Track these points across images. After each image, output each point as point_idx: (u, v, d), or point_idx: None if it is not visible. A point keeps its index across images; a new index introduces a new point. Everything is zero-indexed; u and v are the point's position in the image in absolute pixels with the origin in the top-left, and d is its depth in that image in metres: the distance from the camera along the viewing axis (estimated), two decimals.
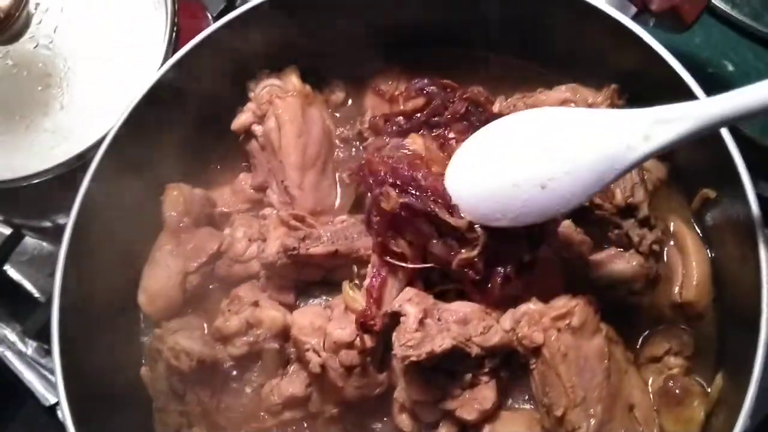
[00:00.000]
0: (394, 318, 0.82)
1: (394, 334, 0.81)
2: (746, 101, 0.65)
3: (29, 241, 1.26)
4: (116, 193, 0.93)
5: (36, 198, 1.04)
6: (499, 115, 0.96)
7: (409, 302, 0.82)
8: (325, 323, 0.85)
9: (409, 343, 0.80)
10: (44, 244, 1.28)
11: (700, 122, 0.67)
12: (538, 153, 0.73)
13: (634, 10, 0.86)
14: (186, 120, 1.01)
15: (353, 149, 1.02)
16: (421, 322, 0.81)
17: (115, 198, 0.93)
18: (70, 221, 0.88)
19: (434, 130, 0.95)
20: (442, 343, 0.80)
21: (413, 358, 0.79)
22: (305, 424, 0.88)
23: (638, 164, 0.71)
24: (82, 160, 0.99)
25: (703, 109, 0.67)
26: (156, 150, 0.98)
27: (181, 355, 0.84)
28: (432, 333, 0.80)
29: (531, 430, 0.83)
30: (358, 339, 0.83)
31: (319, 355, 0.84)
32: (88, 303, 0.89)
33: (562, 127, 0.73)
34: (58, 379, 0.81)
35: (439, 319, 0.82)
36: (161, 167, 0.99)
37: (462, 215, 0.79)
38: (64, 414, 0.79)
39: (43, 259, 1.28)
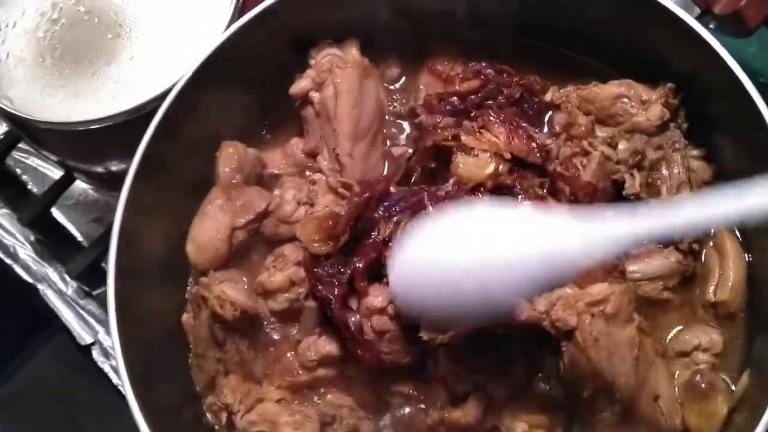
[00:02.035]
0: None
1: None
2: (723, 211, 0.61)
3: (76, 187, 1.31)
4: (174, 147, 0.96)
5: (92, 143, 1.07)
6: (551, 104, 1.00)
7: None
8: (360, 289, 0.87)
9: (436, 325, 0.83)
10: (90, 190, 1.33)
11: (657, 232, 0.65)
12: (476, 246, 0.72)
13: (698, 11, 0.87)
14: (244, 83, 1.03)
15: (404, 125, 1.05)
16: None
17: (173, 151, 0.96)
18: (132, 168, 0.91)
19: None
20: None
21: (438, 341, 0.82)
22: (335, 384, 0.92)
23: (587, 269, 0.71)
24: (140, 111, 1.02)
25: (657, 217, 0.64)
26: (214, 109, 1.01)
27: (226, 304, 0.87)
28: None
29: (555, 410, 0.85)
30: (390, 306, 0.86)
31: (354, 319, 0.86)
32: (139, 250, 0.92)
33: (505, 223, 0.73)
34: (112, 322, 0.83)
35: None
36: (218, 126, 1.02)
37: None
38: (117, 355, 0.81)
39: (88, 205, 1.33)
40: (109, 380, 1.16)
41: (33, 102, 1.03)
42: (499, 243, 0.71)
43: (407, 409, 0.90)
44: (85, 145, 1.07)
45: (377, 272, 0.86)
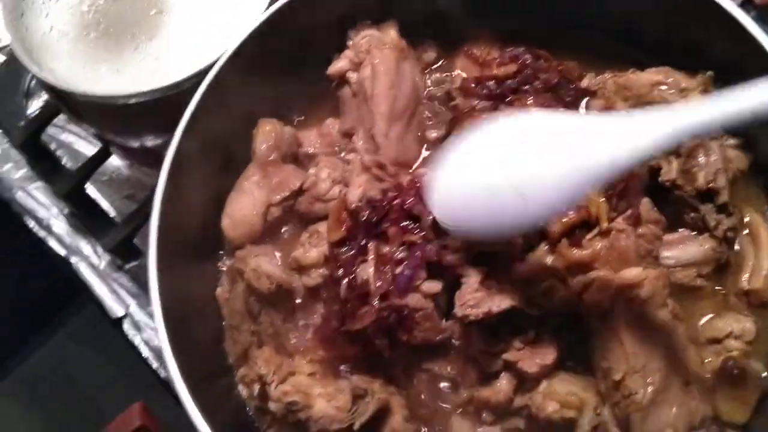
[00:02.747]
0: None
1: (457, 293, 0.85)
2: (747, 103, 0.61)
3: (109, 164, 1.32)
4: (214, 123, 0.98)
5: (130, 118, 1.08)
6: (588, 91, 1.00)
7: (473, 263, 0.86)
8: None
9: (470, 302, 0.84)
10: (123, 168, 1.35)
11: (692, 127, 0.64)
12: (514, 157, 0.72)
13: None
14: (282, 63, 1.05)
15: (439, 108, 1.06)
16: (482, 282, 0.85)
17: (212, 127, 0.98)
18: (173, 143, 0.92)
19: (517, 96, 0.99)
20: (501, 303, 0.83)
21: (472, 318, 0.83)
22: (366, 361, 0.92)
23: (622, 172, 0.70)
24: (178, 89, 1.03)
25: (693, 114, 0.64)
26: (252, 87, 1.03)
27: (262, 277, 0.89)
28: (492, 293, 0.84)
29: (586, 391, 0.85)
30: (424, 284, 0.86)
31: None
32: (177, 224, 0.94)
33: (541, 132, 0.72)
34: (153, 292, 0.85)
35: (499, 281, 0.85)
36: (255, 104, 1.04)
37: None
38: (158, 324, 0.83)
39: (121, 182, 1.34)
40: (139, 353, 1.17)
41: (75, 75, 1.05)
42: (534, 152, 0.70)
43: (437, 387, 0.91)
44: (123, 119, 1.09)
45: None
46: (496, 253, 0.85)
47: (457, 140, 0.79)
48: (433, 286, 0.86)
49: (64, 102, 1.09)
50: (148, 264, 0.85)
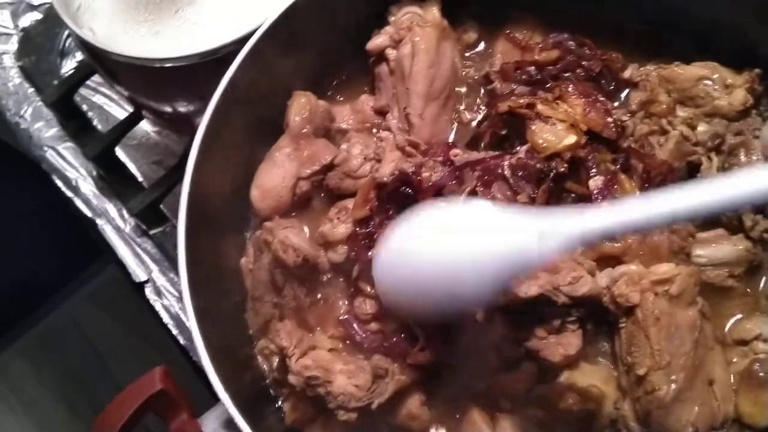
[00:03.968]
0: None
1: None
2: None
3: (138, 128, 1.33)
4: (247, 93, 0.97)
5: (165, 82, 1.08)
6: (630, 82, 0.99)
7: None
8: None
9: None
10: (152, 133, 1.35)
11: (601, 231, 0.66)
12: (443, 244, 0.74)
13: None
14: (319, 36, 1.03)
15: (476, 90, 1.04)
16: None
17: (246, 97, 0.97)
18: (210, 108, 0.91)
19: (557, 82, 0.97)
20: (528, 290, 0.83)
21: (499, 302, 0.83)
22: (388, 339, 0.92)
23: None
24: (214, 55, 1.02)
25: (604, 217, 0.66)
26: (289, 59, 1.02)
27: (289, 250, 0.88)
28: (520, 279, 0.83)
29: (606, 384, 0.85)
30: None
31: None
32: (207, 192, 0.93)
33: (466, 223, 0.74)
34: (181, 259, 0.84)
35: None
36: (290, 76, 1.03)
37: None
38: (184, 290, 0.83)
39: (150, 147, 1.34)
40: (160, 319, 1.18)
41: (114, 35, 1.04)
42: (462, 243, 0.73)
43: (457, 373, 0.90)
44: (158, 82, 1.08)
45: None
46: None
47: (398, 221, 0.80)
48: None
49: (100, 62, 1.09)
50: (178, 228, 0.85)
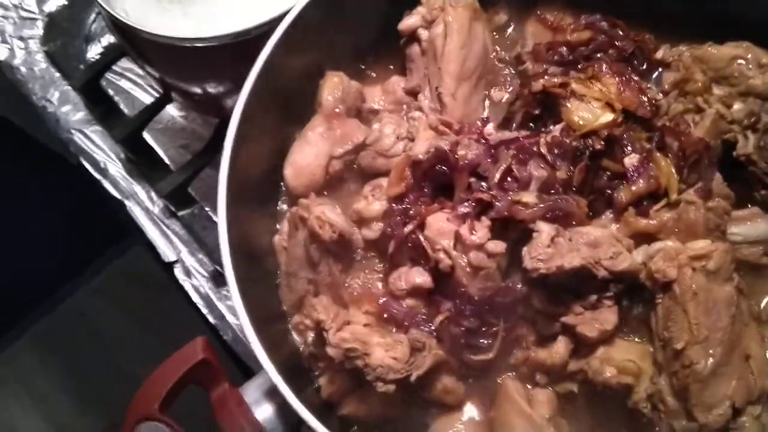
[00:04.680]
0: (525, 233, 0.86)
1: (525, 248, 0.85)
2: None
3: (165, 113, 1.34)
4: (282, 73, 0.98)
5: (195, 62, 1.09)
6: (662, 62, 0.99)
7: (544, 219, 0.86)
8: (457, 227, 0.89)
9: (540, 256, 0.84)
10: (178, 118, 1.36)
11: None
12: None
13: None
14: (350, 17, 1.04)
15: (506, 71, 1.05)
16: (552, 240, 0.85)
17: (280, 76, 0.98)
18: (246, 86, 0.92)
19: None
20: (572, 261, 0.83)
21: (542, 271, 0.83)
22: (423, 317, 0.92)
23: None
24: (245, 36, 1.03)
25: None
26: (320, 40, 1.03)
27: (325, 225, 0.89)
28: (562, 251, 0.84)
29: (642, 360, 0.86)
30: (489, 244, 0.86)
31: (450, 256, 0.87)
32: (243, 170, 0.94)
33: None
34: (222, 234, 0.86)
35: (570, 240, 0.85)
36: (321, 56, 1.04)
37: None
38: (226, 265, 0.84)
39: (176, 131, 1.36)
40: (189, 298, 1.19)
41: (146, 15, 1.06)
42: None
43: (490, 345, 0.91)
44: (189, 63, 1.09)
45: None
46: (564, 216, 0.85)
47: None
48: (498, 245, 0.85)
49: (131, 43, 1.10)
50: (218, 205, 0.86)
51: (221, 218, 0.85)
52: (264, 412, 0.81)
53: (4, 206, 2.26)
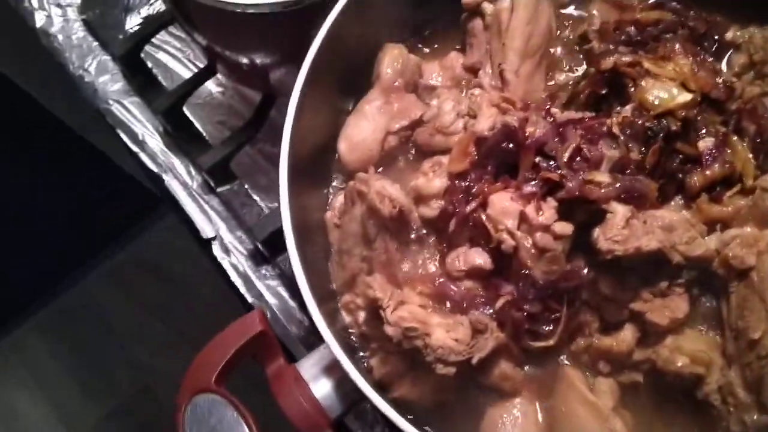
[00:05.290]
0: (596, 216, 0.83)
1: (598, 229, 0.82)
2: None
3: (204, 87, 1.30)
4: (341, 44, 0.95)
5: (244, 29, 1.05)
6: (732, 44, 0.96)
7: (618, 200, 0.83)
8: (522, 206, 0.85)
9: (616, 237, 0.80)
10: (216, 93, 1.32)
11: None
12: None
13: None
14: None
15: (570, 51, 1.02)
16: (627, 221, 0.81)
17: (340, 48, 0.95)
18: (308, 58, 0.90)
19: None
20: (648, 243, 0.80)
21: (618, 252, 0.80)
22: (482, 300, 0.89)
23: None
24: (297, 5, 1.00)
25: None
26: (380, 12, 1.00)
27: (385, 200, 0.85)
28: (637, 233, 0.81)
29: (711, 351, 0.83)
30: (556, 225, 0.83)
31: (513, 237, 0.84)
32: (300, 144, 0.91)
33: None
34: (284, 206, 0.84)
35: (644, 222, 0.82)
36: (380, 29, 1.01)
37: None
38: (288, 241, 0.82)
39: (214, 107, 1.32)
40: (227, 276, 1.15)
41: None
42: None
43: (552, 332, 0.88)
44: (237, 30, 1.06)
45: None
46: (638, 197, 0.82)
47: None
48: (566, 227, 0.82)
49: (180, 8, 1.07)
50: (280, 179, 0.83)
51: (283, 191, 0.83)
52: (321, 388, 0.78)
53: (12, 187, 2.24)
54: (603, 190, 0.80)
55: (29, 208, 2.32)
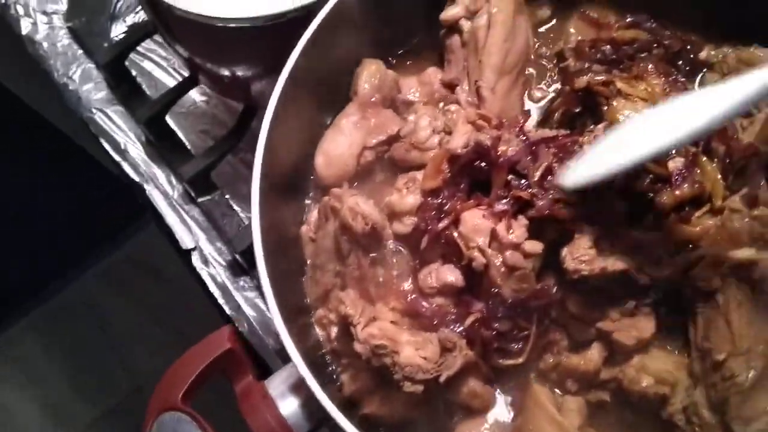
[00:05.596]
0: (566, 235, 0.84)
1: (566, 248, 0.83)
2: None
3: (187, 97, 1.31)
4: (320, 57, 0.96)
5: (226, 43, 1.06)
6: (706, 63, 0.96)
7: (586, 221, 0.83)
8: (493, 224, 0.86)
9: (583, 258, 0.81)
10: (200, 102, 1.33)
11: None
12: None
13: None
14: (389, 5, 1.02)
15: (546, 68, 1.03)
16: (594, 242, 0.82)
17: (318, 61, 0.95)
18: (283, 74, 0.90)
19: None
20: (614, 264, 0.81)
21: (585, 273, 0.80)
22: (453, 317, 0.89)
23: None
24: (279, 19, 1.01)
25: None
26: (358, 28, 1.00)
27: (358, 216, 0.86)
28: (604, 254, 0.81)
29: (678, 371, 0.83)
30: (526, 244, 0.84)
31: (484, 255, 0.85)
32: (275, 158, 0.91)
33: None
34: (255, 220, 0.84)
35: (611, 243, 0.83)
36: (358, 44, 1.02)
37: None
38: (257, 254, 0.82)
39: (197, 116, 1.33)
40: (206, 287, 1.16)
41: None
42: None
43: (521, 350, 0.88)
44: (219, 43, 1.06)
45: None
46: (606, 217, 0.82)
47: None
48: (535, 245, 0.83)
49: (161, 20, 1.07)
50: (252, 190, 0.83)
51: (254, 204, 0.82)
52: (289, 406, 0.79)
53: (11, 186, 2.24)
54: (570, 210, 0.81)
55: (29, 207, 2.33)
